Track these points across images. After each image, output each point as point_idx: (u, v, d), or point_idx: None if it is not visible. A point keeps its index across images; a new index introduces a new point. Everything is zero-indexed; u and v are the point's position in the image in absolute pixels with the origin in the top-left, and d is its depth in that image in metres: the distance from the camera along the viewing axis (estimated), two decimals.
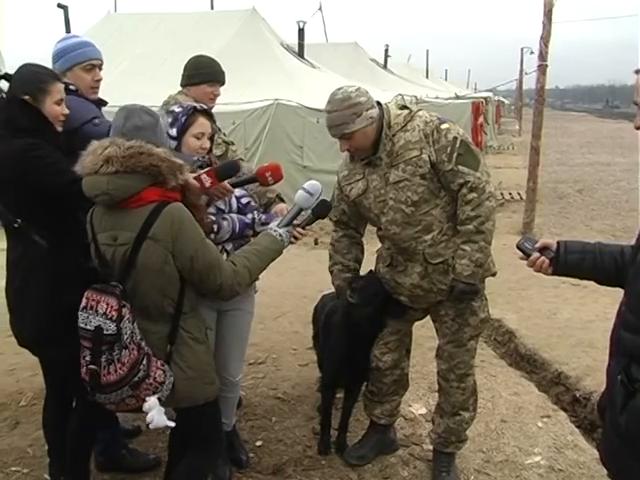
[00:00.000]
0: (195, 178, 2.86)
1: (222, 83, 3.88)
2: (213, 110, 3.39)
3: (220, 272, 2.52)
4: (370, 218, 3.35)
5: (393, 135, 3.14)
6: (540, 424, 4.10)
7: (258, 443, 3.85)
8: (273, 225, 2.81)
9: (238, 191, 3.17)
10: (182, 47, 9.96)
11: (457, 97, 20.16)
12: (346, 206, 3.41)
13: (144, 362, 2.46)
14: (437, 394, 3.61)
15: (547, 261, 2.40)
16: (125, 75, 10.94)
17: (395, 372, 3.58)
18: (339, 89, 3.12)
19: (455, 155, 3.05)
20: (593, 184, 14.83)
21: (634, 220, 10.12)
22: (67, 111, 2.90)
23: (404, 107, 3.27)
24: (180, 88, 3.88)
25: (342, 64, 17.39)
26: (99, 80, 3.30)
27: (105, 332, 2.40)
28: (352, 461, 3.63)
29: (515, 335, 5.60)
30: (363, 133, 3.09)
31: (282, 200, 3.47)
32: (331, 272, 3.54)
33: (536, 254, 2.42)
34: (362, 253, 3.55)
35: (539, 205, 10.52)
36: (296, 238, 2.86)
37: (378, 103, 3.20)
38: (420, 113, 3.19)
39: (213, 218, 3.01)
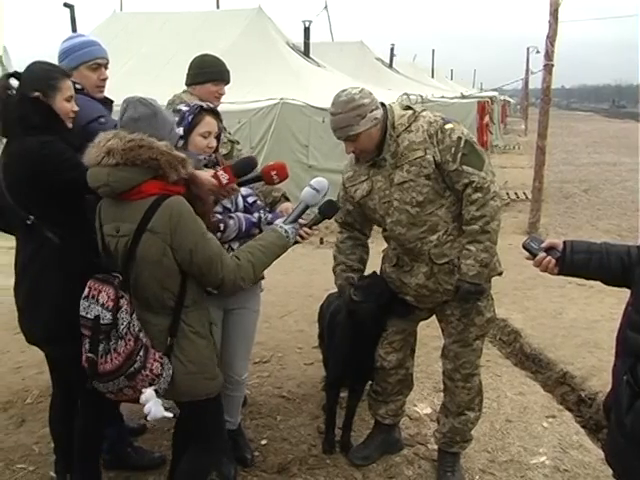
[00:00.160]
0: (212, 175, 2.87)
1: (227, 82, 3.89)
2: (218, 109, 3.40)
3: (222, 266, 2.52)
4: (375, 219, 3.34)
5: (397, 136, 3.13)
6: (545, 424, 4.09)
7: (263, 442, 3.85)
8: (279, 222, 2.81)
9: (244, 190, 3.18)
10: (188, 46, 9.97)
11: (463, 96, 20.11)
12: (351, 207, 3.41)
13: (141, 353, 2.47)
14: (442, 394, 3.60)
15: (553, 261, 2.40)
16: (131, 74, 10.95)
17: (400, 372, 3.58)
18: (343, 91, 3.12)
19: (459, 155, 3.05)
20: (599, 184, 14.80)
21: None
22: (77, 108, 2.91)
23: (408, 107, 3.27)
24: (185, 87, 3.88)
25: (348, 63, 17.38)
26: (105, 79, 3.31)
27: (102, 321, 2.44)
28: (357, 461, 3.63)
29: (520, 335, 5.59)
30: (368, 135, 3.09)
31: (287, 199, 3.46)
32: (334, 272, 3.55)
33: (542, 254, 2.42)
34: (367, 254, 3.56)
35: (545, 205, 10.51)
36: (303, 238, 2.84)
37: (382, 104, 3.20)
38: (424, 113, 3.19)
39: (219, 217, 3.02)
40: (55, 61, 3.19)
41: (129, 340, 2.46)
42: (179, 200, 2.50)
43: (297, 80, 11.38)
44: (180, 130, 2.95)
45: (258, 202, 3.26)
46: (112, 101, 3.39)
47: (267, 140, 10.18)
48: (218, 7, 17.92)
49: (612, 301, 5.97)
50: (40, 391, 4.46)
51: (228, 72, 3.89)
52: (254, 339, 3.58)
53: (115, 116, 3.02)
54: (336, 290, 3.69)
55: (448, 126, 3.10)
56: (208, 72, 3.80)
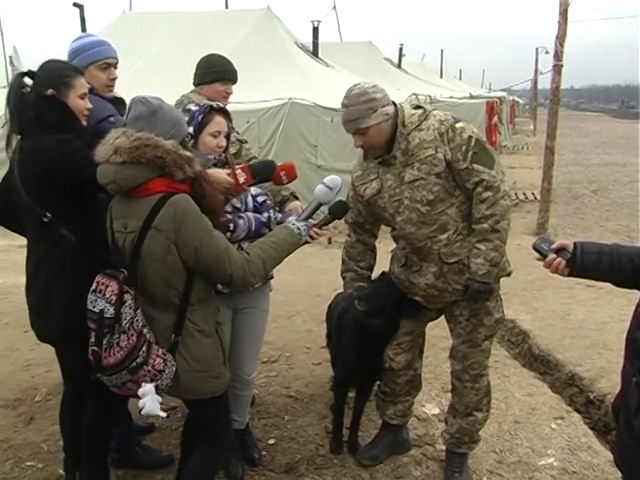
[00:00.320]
0: (229, 173, 2.88)
1: (234, 81, 3.89)
2: (227, 108, 3.40)
3: (230, 262, 2.53)
4: (385, 218, 3.34)
5: (408, 134, 3.13)
6: (554, 425, 4.08)
7: (271, 441, 3.86)
8: (292, 219, 2.81)
9: (254, 189, 3.18)
10: (197, 46, 10.00)
11: (471, 97, 20.08)
12: (361, 206, 3.40)
13: (143, 349, 2.49)
14: (450, 394, 3.60)
15: (564, 262, 2.38)
16: (140, 74, 10.99)
17: (408, 373, 3.57)
18: (356, 85, 3.13)
19: (470, 154, 3.04)
20: (608, 185, 14.74)
21: None
22: (90, 105, 2.93)
23: (418, 107, 3.27)
24: (193, 87, 3.89)
25: (356, 63, 17.38)
26: (114, 79, 3.32)
27: (105, 315, 2.48)
28: (364, 461, 3.63)
29: (529, 336, 5.58)
30: (378, 129, 3.09)
31: (296, 198, 3.46)
32: (343, 278, 3.56)
33: (553, 255, 2.41)
34: (374, 259, 3.56)
35: (553, 205, 10.48)
36: (313, 238, 2.84)
37: (392, 103, 3.20)
38: (434, 112, 3.19)
39: (229, 217, 3.02)
40: None
41: (132, 335, 2.48)
42: (184, 198, 2.51)
43: (306, 80, 11.39)
44: (190, 130, 2.95)
45: (268, 202, 3.26)
46: (124, 100, 3.40)
47: (275, 140, 10.20)
48: (227, 7, 17.95)
49: (621, 302, 5.95)
50: (49, 389, 4.49)
51: (235, 71, 3.89)
52: (263, 338, 3.59)
53: None
54: (344, 290, 3.69)
55: (459, 125, 3.10)
56: (215, 72, 3.80)
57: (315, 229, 2.83)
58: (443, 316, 3.48)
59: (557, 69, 9.27)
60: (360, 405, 3.80)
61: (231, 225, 3.00)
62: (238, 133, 3.92)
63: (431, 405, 4.30)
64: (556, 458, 3.71)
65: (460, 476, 3.47)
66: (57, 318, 2.85)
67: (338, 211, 2.93)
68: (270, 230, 3.05)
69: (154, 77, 10.90)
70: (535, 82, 33.25)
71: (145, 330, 2.53)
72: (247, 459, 3.59)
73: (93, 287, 2.56)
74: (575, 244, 2.38)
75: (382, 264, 3.59)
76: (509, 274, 3.33)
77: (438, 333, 4.66)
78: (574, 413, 4.30)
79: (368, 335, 3.46)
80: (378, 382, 3.72)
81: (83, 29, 12.18)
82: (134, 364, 2.48)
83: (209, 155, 3.00)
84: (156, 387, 2.54)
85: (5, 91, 2.97)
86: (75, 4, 12.44)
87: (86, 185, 2.67)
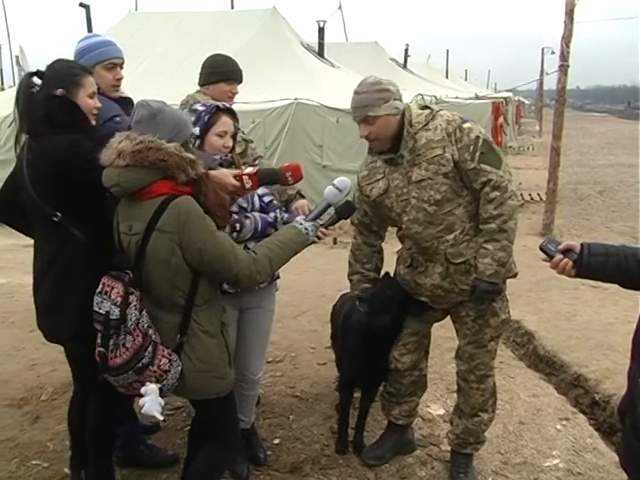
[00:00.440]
0: (237, 177, 2.88)
1: (240, 81, 3.89)
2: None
3: (235, 261, 2.54)
4: (391, 218, 3.34)
5: (415, 133, 3.13)
6: (559, 426, 4.07)
7: (276, 441, 3.86)
8: (299, 219, 2.81)
9: (261, 189, 3.18)
10: (202, 46, 10.00)
11: (477, 97, 20.04)
12: (367, 207, 3.40)
13: (149, 349, 2.51)
14: (455, 395, 3.60)
15: (570, 263, 2.37)
16: (146, 74, 11.02)
17: (414, 373, 3.57)
18: (370, 76, 3.17)
19: (478, 154, 3.04)
20: (614, 185, 14.71)
21: None
22: (99, 104, 2.94)
23: (425, 107, 3.27)
24: (198, 87, 3.90)
25: (362, 63, 17.36)
26: (120, 79, 3.32)
27: (111, 317, 2.50)
28: (369, 461, 3.64)
29: (534, 337, 5.57)
30: (386, 120, 3.09)
31: (302, 196, 3.45)
32: (350, 281, 3.56)
33: (559, 256, 2.40)
34: (381, 261, 3.56)
35: (559, 206, 10.47)
36: (319, 238, 2.84)
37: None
38: (442, 112, 3.19)
39: (235, 217, 3.03)
40: None
41: (137, 336, 2.50)
42: (187, 200, 2.52)
43: (311, 80, 11.39)
44: (196, 130, 2.96)
45: (274, 201, 3.26)
46: (132, 100, 3.40)
47: (281, 140, 10.20)
48: (233, 7, 17.99)
49: (627, 304, 5.93)
50: (54, 388, 4.50)
51: (240, 71, 3.90)
52: (269, 338, 3.59)
53: None
54: (349, 290, 3.69)
55: (466, 125, 3.10)
56: (220, 71, 3.81)
57: (322, 229, 2.83)
58: (448, 317, 3.48)
59: (563, 69, 9.25)
60: (366, 405, 3.81)
61: (237, 225, 3.00)
62: (244, 133, 3.93)
63: (436, 406, 4.30)
64: (561, 459, 3.71)
65: (465, 477, 3.47)
66: (67, 318, 2.84)
67: (344, 211, 2.93)
68: (276, 230, 3.05)
69: (160, 77, 10.93)
70: (541, 83, 33.20)
71: (151, 331, 2.55)
72: (252, 459, 3.59)
73: (99, 289, 2.58)
74: (582, 245, 2.37)
75: (388, 265, 3.59)
76: (515, 275, 3.33)
77: (443, 334, 4.65)
78: (579, 414, 4.29)
79: (373, 336, 3.46)
80: (383, 382, 3.72)
81: (89, 29, 12.20)
82: (140, 364, 2.50)
83: (215, 155, 3.01)
84: (162, 388, 2.55)
85: (12, 90, 2.97)
86: (81, 4, 12.46)
87: (95, 185, 2.67)
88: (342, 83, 10.62)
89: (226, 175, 2.91)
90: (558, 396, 4.55)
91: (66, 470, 3.47)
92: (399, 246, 3.51)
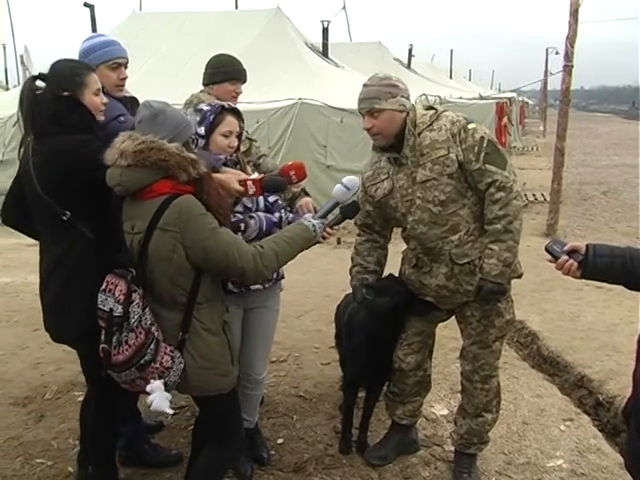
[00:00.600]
0: (241, 182, 2.89)
1: (244, 81, 3.90)
2: None
3: (239, 256, 2.55)
4: (396, 218, 3.34)
5: (419, 134, 3.14)
6: (562, 427, 4.07)
7: (279, 441, 3.86)
8: (308, 216, 2.83)
9: None
10: (206, 46, 10.00)
11: (481, 97, 20.00)
12: (371, 208, 3.41)
13: (151, 346, 2.54)
14: (459, 395, 3.60)
15: (576, 264, 2.37)
16: (150, 74, 11.02)
17: (418, 373, 3.57)
18: (381, 72, 3.22)
19: (483, 154, 3.05)
20: (618, 186, 14.66)
21: None
22: (106, 100, 2.94)
23: (430, 107, 3.27)
24: (202, 87, 3.90)
25: (366, 63, 17.34)
26: (124, 78, 3.32)
27: (114, 314, 2.53)
28: (373, 461, 3.64)
29: (538, 337, 5.56)
30: (391, 115, 3.10)
31: (307, 194, 3.44)
32: (350, 273, 3.56)
33: (565, 257, 2.40)
34: (385, 258, 3.55)
35: (563, 207, 10.45)
36: (324, 237, 2.85)
37: None
38: (446, 113, 3.19)
39: (240, 216, 3.03)
40: None
41: (140, 333, 2.53)
42: (188, 198, 2.54)
43: (315, 80, 11.38)
44: (202, 129, 2.97)
45: (279, 201, 3.26)
46: (137, 100, 3.41)
47: (285, 140, 10.20)
48: (237, 7, 17.97)
49: (631, 304, 5.93)
50: (59, 387, 4.51)
51: (244, 71, 3.90)
52: (273, 338, 3.60)
53: None
54: (350, 284, 3.69)
55: (471, 126, 3.10)
56: (224, 71, 3.81)
57: (327, 229, 2.84)
58: (453, 317, 3.48)
59: (567, 70, 9.23)
60: (370, 405, 3.81)
61: (242, 225, 3.01)
62: (248, 132, 3.93)
63: (440, 406, 4.30)
64: (565, 460, 3.70)
65: (469, 477, 3.47)
66: (76, 317, 2.84)
67: (349, 211, 2.94)
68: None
69: (164, 77, 10.94)
70: (545, 83, 33.12)
71: (153, 328, 2.57)
72: (256, 458, 3.59)
73: (103, 286, 2.61)
74: (587, 246, 2.37)
75: (393, 265, 3.59)
76: (520, 275, 3.33)
77: (447, 334, 4.65)
78: (583, 415, 4.28)
79: (378, 335, 3.46)
80: (387, 382, 3.72)
81: (94, 29, 12.22)
82: (142, 361, 2.53)
83: (220, 155, 3.01)
84: (165, 384, 2.57)
85: (17, 90, 2.98)
86: (86, 4, 12.49)
87: (103, 185, 2.68)
88: (346, 83, 10.64)
89: (231, 180, 2.92)
90: (562, 397, 4.54)
91: (70, 469, 3.49)
92: (404, 246, 3.51)
